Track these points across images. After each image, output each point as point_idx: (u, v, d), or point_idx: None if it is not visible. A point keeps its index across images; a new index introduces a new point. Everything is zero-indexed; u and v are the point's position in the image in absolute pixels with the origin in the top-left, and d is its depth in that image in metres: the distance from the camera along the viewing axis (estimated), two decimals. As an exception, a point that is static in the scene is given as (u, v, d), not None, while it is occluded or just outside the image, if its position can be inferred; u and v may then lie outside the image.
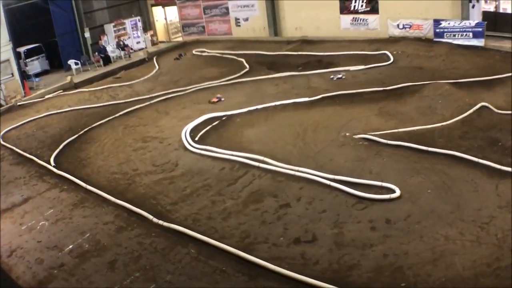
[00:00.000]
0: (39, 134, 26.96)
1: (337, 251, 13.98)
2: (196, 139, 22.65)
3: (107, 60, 41.12)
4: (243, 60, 35.81)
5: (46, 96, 34.40)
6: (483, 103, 22.14)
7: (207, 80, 31.94)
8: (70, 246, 15.98)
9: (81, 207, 18.40)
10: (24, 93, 35.72)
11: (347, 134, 21.09)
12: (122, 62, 41.33)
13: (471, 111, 21.74)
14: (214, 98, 27.36)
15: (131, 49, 44.01)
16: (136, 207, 17.49)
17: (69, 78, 36.88)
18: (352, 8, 37.51)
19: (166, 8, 47.85)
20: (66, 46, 41.23)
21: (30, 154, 24.04)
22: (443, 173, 17.25)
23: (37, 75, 40.27)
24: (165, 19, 48.34)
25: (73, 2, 41.58)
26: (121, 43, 43.42)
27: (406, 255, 13.42)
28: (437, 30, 32.83)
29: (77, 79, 37.15)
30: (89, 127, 26.24)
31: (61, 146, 24.22)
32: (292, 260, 13.82)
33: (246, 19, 43.42)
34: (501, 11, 32.52)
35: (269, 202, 16.86)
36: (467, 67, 28.08)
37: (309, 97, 26.00)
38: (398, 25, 34.97)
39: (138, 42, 45.81)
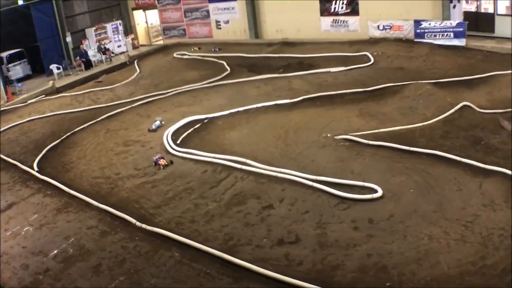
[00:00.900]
0: (22, 139, 26.80)
1: (320, 251, 14.04)
2: (178, 142, 22.65)
3: (88, 64, 40.96)
4: (224, 62, 35.78)
5: (29, 101, 34.20)
6: (465, 103, 22.32)
7: (188, 83, 31.91)
8: (55, 251, 15.90)
9: (65, 212, 18.32)
10: (7, 98, 35.50)
11: (329, 135, 21.18)
12: (104, 66, 41.20)
13: (452, 110, 21.92)
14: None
15: (112, 53, 43.88)
16: (119, 211, 17.44)
17: (51, 82, 36.72)
18: (332, 10, 37.69)
19: (147, 11, 47.81)
20: (48, 51, 41.02)
21: (14, 159, 23.86)
22: (425, 173, 17.37)
23: (20, 80, 39.99)
24: (146, 22, 48.31)
25: (54, 6, 41.35)
26: (102, 47, 43.29)
27: (390, 254, 13.49)
28: (418, 31, 33.04)
29: (59, 84, 36.97)
30: (71, 132, 26.10)
31: (44, 151, 24.08)
32: (276, 261, 13.86)
33: (227, 22, 43.49)
34: (482, 11, 32.73)
35: (252, 204, 16.89)
36: (448, 67, 28.29)
37: (290, 99, 26.09)
38: (378, 26, 35.16)
39: (119, 46, 45.69)
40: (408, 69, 28.92)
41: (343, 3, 37.05)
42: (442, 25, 32.08)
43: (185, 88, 31.18)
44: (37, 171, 22.05)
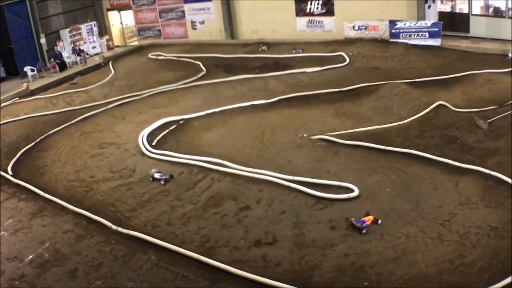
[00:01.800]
0: (-5, 142, 26.53)
1: (298, 252, 14.05)
2: (154, 144, 22.52)
3: (62, 66, 40.59)
4: (199, 63, 35.67)
5: (2, 104, 33.81)
6: (440, 102, 22.47)
7: (163, 84, 31.76)
8: (30, 256, 15.69)
9: (40, 216, 18.11)
10: (-19, 102, 35.13)
11: (305, 135, 21.22)
12: (78, 68, 40.84)
13: (428, 110, 22.07)
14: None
15: (87, 54, 43.52)
16: (95, 215, 17.25)
17: (25, 85, 36.32)
18: (307, 10, 37.76)
19: (122, 12, 47.51)
20: (22, 53, 40.55)
21: (-13, 164, 23.62)
22: (401, 172, 17.47)
23: (-7, 83, 39.65)
24: (121, 23, 47.99)
25: (28, 8, 40.88)
26: (77, 48, 42.92)
27: (367, 254, 13.54)
28: (393, 31, 33.23)
29: (33, 86, 36.57)
30: (46, 135, 25.83)
31: (18, 155, 23.81)
32: (254, 262, 13.85)
33: (202, 22, 43.39)
34: (457, 11, 32.99)
35: (229, 205, 16.85)
36: (423, 67, 28.47)
37: (266, 100, 26.11)
38: (353, 27, 35.31)
39: (94, 47, 45.32)
40: (383, 69, 29.07)
41: (318, 4, 37.13)
42: (417, 25, 32.30)
43: (160, 89, 31.03)
44: (11, 175, 21.77)
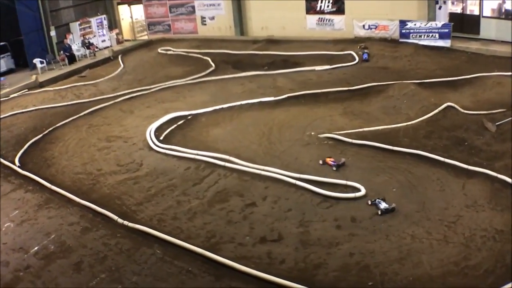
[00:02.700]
0: (3, 134, 26.49)
1: (303, 250, 14.06)
2: (161, 138, 22.56)
3: (72, 58, 40.63)
4: (208, 59, 35.69)
5: (11, 96, 33.89)
6: (448, 103, 22.39)
7: (172, 79, 31.79)
8: (36, 248, 15.74)
9: (46, 208, 18.16)
10: (-11, 93, 35.21)
11: (312, 133, 21.21)
12: (87, 61, 40.88)
13: (436, 111, 22.00)
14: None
15: (96, 47, 43.56)
16: (101, 208, 17.31)
17: (34, 77, 36.38)
18: (318, 8, 37.70)
19: (132, 6, 47.49)
20: (32, 45, 40.59)
21: (-5, 154, 23.68)
22: (408, 172, 17.43)
23: (2, 74, 39.66)
24: (131, 17, 47.98)
25: (39, 1, 40.97)
26: (87, 41, 42.97)
27: (372, 253, 13.53)
28: (403, 31, 33.16)
29: (42, 78, 36.63)
30: (54, 127, 25.88)
31: (25, 146, 23.86)
32: (258, 259, 13.86)
33: (212, 18, 43.36)
34: (468, 13, 32.87)
35: (235, 201, 16.88)
36: (432, 68, 28.41)
37: (275, 97, 26.07)
38: (364, 26, 35.24)
39: (103, 41, 45.35)
40: (392, 69, 29.01)
41: (329, 2, 37.08)
42: (427, 25, 32.22)
43: (168, 84, 31.06)
44: (18, 166, 21.83)
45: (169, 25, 45.81)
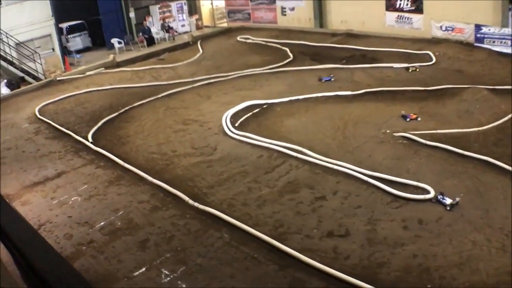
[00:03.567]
0: (77, 110, 27.27)
1: (368, 247, 14.03)
2: (236, 125, 22.81)
3: (151, 41, 41.38)
4: (287, 49, 35.78)
5: (87, 73, 34.77)
6: (518, 111, 21.95)
7: (250, 67, 32.03)
8: (102, 223, 16.15)
9: (117, 185, 18.61)
10: (64, 68, 36.17)
11: (387, 131, 21.04)
12: (166, 44, 41.57)
13: (506, 118, 21.54)
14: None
15: (176, 31, 44.21)
16: (173, 188, 17.66)
17: (111, 56, 37.20)
18: (397, 5, 37.25)
19: (213, -7, 48.00)
20: (110, 25, 41.49)
21: (67, 129, 24.39)
22: (476, 178, 17.15)
23: (79, 51, 40.69)
24: (211, 4, 48.46)
25: (118, -18, 41.88)
26: (166, 25, 43.63)
27: (434, 256, 13.42)
28: (478, 35, 32.48)
29: (119, 58, 37.48)
30: (130, 106, 26.46)
31: (100, 123, 24.46)
32: (324, 253, 13.89)
33: (292, 9, 43.35)
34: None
35: (305, 193, 16.93)
36: (504, 75, 27.72)
37: (352, 91, 25.97)
38: (441, 27, 34.67)
39: (183, 25, 46.01)
40: (467, 73, 28.45)
41: (408, 0, 36.61)
42: (500, 32, 31.49)
43: (246, 72, 31.31)
44: (91, 142, 22.39)
45: (249, 14, 46.04)
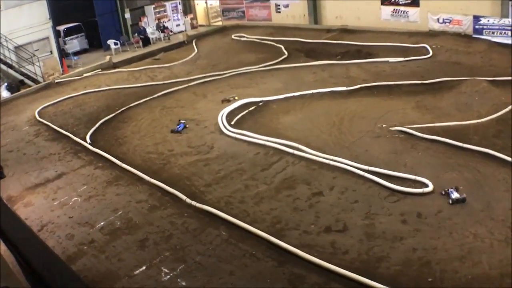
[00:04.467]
0: (76, 111, 27.32)
1: (367, 242, 14.02)
2: (232, 123, 22.80)
3: (146, 41, 41.40)
4: (282, 46, 35.75)
5: (84, 75, 34.85)
6: (518, 103, 21.93)
7: (245, 65, 32.06)
8: (102, 223, 16.26)
9: (115, 185, 18.67)
10: (62, 70, 36.23)
11: (384, 125, 21.02)
12: (162, 44, 41.60)
13: (506, 110, 21.50)
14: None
15: (171, 31, 44.23)
16: (170, 187, 17.72)
17: (108, 57, 37.26)
18: (393, -1, 37.28)
19: (207, -8, 47.98)
20: (106, 26, 41.57)
21: (66, 130, 24.47)
22: (476, 171, 17.13)
23: (76, 53, 40.74)
24: (206, 3, 48.41)
25: (114, -17, 41.90)
26: (161, 25, 43.65)
27: (435, 250, 13.40)
28: (477, 27, 32.45)
29: (116, 59, 37.53)
30: (127, 107, 26.49)
31: (97, 124, 24.52)
32: (322, 248, 13.89)
33: (287, 6, 43.30)
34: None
35: (302, 189, 16.94)
36: (504, 66, 27.68)
37: (347, 87, 25.94)
38: (438, 19, 34.62)
39: (178, 25, 46.02)
40: (465, 65, 28.40)
41: (404, -7, 36.62)
42: (500, 22, 31.45)
43: (241, 70, 31.32)
44: (89, 143, 22.48)
45: (243, 12, 46.01)
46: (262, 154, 19.68)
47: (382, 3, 37.73)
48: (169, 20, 45.31)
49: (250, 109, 24.45)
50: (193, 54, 37.23)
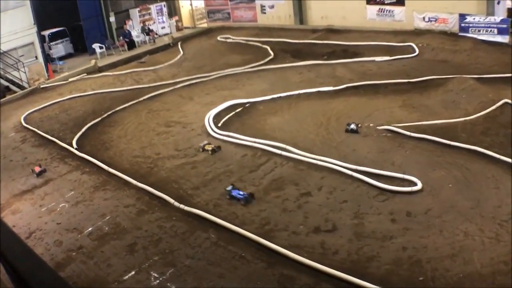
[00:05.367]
0: (62, 116, 27.16)
1: (356, 242, 14.00)
2: (219, 125, 22.73)
3: (131, 44, 41.27)
4: (267, 47, 35.71)
5: (70, 79, 34.67)
6: (506, 100, 21.94)
7: (231, 67, 31.96)
8: (90, 229, 16.13)
9: (102, 190, 18.55)
10: (48, 76, 36.05)
11: (371, 125, 21.03)
12: (147, 47, 41.47)
13: (494, 107, 21.55)
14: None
15: (156, 34, 44.10)
16: (158, 191, 17.62)
17: (93, 61, 37.11)
18: (378, -1, 37.33)
19: (192, -6, 47.87)
20: (91, 30, 41.40)
21: (52, 136, 24.28)
22: (464, 168, 17.15)
23: (61, 58, 40.54)
24: (191, 5, 48.29)
25: (98, -13, 41.75)
26: (146, 28, 43.52)
27: (425, 249, 13.40)
28: (462, 25, 32.56)
29: (101, 63, 37.38)
30: (113, 111, 26.37)
31: (83, 129, 24.39)
32: (312, 249, 13.86)
33: (272, 7, 43.27)
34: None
35: (290, 190, 16.90)
36: (491, 63, 27.81)
37: (334, 87, 25.94)
38: (424, 18, 34.71)
39: (163, 28, 45.87)
40: (452, 63, 28.50)
41: (389, -7, 36.68)
42: (486, 20, 31.56)
43: (228, 71, 31.24)
44: (76, 148, 22.33)
45: (228, 13, 45.94)
46: (250, 156, 19.62)
47: (368, 3, 37.79)
48: (154, 22, 45.17)
49: (237, 110, 24.39)
50: (178, 57, 37.14)
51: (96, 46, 39.81)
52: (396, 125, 20.62)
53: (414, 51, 30.92)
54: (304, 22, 41.77)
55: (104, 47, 40.42)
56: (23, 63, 35.20)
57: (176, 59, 36.54)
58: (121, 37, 41.90)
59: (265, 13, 43.86)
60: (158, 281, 13.38)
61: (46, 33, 40.11)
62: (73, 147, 22.54)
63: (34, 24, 36.65)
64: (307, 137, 20.74)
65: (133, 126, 24.15)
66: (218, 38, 41.08)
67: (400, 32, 34.67)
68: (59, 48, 41.40)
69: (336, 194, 16.37)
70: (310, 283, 12.60)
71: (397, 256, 13.25)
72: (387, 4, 36.88)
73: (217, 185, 17.78)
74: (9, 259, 3.18)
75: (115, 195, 18.09)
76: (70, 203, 17.92)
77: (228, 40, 40.17)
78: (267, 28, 41.85)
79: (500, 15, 31.84)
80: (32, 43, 36.99)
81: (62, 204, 17.92)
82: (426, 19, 34.61)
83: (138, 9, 44.55)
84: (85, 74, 35.49)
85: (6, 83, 34.59)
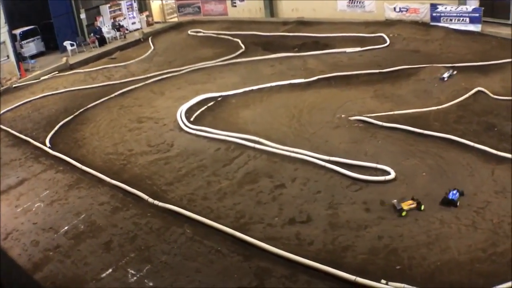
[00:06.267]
0: (34, 115, 26.89)
1: (331, 232, 14.05)
2: (192, 119, 22.65)
3: (102, 41, 40.97)
4: (238, 40, 35.65)
5: (42, 78, 34.31)
6: (479, 88, 22.14)
7: (202, 61, 31.81)
8: (66, 228, 16.03)
9: (77, 188, 18.42)
10: (20, 75, 35.66)
11: (343, 115, 21.12)
12: (118, 43, 41.21)
13: (467, 95, 21.75)
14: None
15: (127, 29, 43.83)
16: (132, 188, 17.54)
17: (64, 59, 36.79)
18: (349, -10, 37.38)
19: (162, -12, 47.63)
20: (62, 28, 40.99)
21: (26, 135, 24.01)
22: (438, 157, 17.28)
23: (33, 57, 40.12)
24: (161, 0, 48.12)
25: (69, -16, 41.35)
26: (117, 24, 43.23)
27: (401, 237, 13.48)
28: (434, 14, 32.73)
29: (72, 60, 37.04)
30: (85, 108, 26.17)
31: (56, 127, 24.17)
32: (287, 240, 13.90)
33: (242, 0, 43.19)
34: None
35: (264, 182, 16.93)
36: (463, 52, 28.02)
37: (305, 79, 25.96)
38: (394, 8, 34.86)
39: (133, 23, 45.58)
40: (423, 52, 28.66)
41: (360, -16, 36.76)
42: (458, 9, 31.76)
43: (199, 65, 31.11)
44: (49, 147, 22.17)
45: (199, 7, 45.79)
46: (223, 150, 19.60)
47: (338, -6, 37.86)
48: (125, 18, 44.88)
49: (209, 104, 24.30)
50: (149, 52, 36.95)
51: (67, 43, 39.45)
52: (368, 115, 20.71)
53: (385, 42, 31.04)
54: (274, 14, 41.78)
55: (75, 45, 40.07)
56: (-5, 63, 34.81)
57: (147, 54, 36.35)
58: (91, 34, 41.61)
59: (235, 6, 43.78)
60: (135, 278, 13.35)
61: (17, 31, 39.63)
62: (46, 146, 22.35)
63: (5, 23, 36.23)
64: (280, 130, 20.76)
65: (105, 123, 23.98)
66: (189, 32, 40.94)
67: (371, 23, 34.82)
68: (31, 47, 40.94)
69: (310, 185, 16.42)
70: (286, 274, 12.64)
71: (372, 245, 13.33)
72: (358, -5, 37.00)
73: (191, 180, 17.74)
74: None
75: (89, 193, 17.96)
76: (45, 203, 17.77)
77: (199, 34, 40.06)
78: (238, 21, 41.81)
79: (472, 4, 32.01)
80: (4, 42, 36.53)
81: (38, 204, 17.77)
82: (397, 9, 34.78)
83: (109, 5, 44.21)
84: (57, 72, 35.15)
85: (-22, 84, 34.14)
